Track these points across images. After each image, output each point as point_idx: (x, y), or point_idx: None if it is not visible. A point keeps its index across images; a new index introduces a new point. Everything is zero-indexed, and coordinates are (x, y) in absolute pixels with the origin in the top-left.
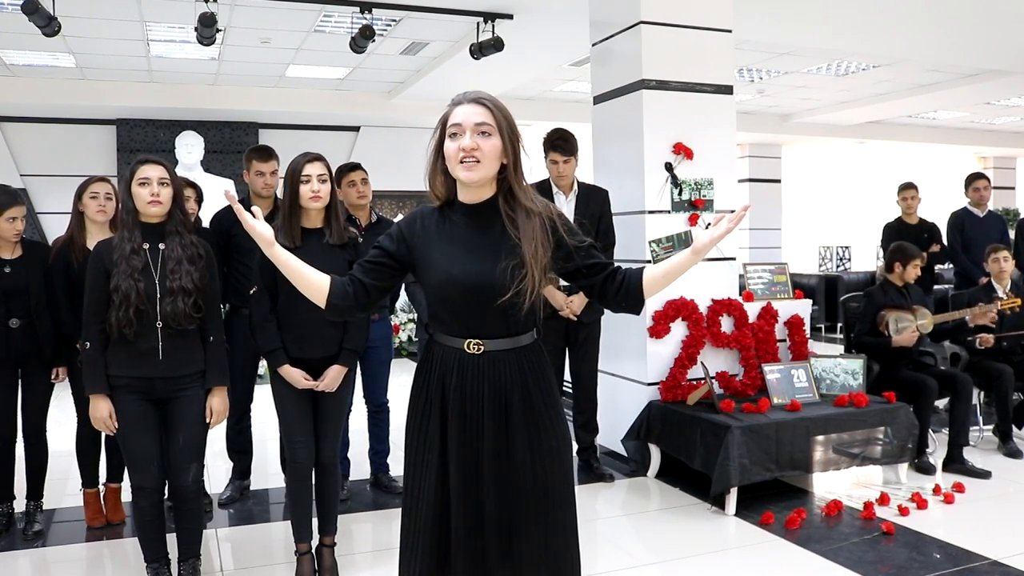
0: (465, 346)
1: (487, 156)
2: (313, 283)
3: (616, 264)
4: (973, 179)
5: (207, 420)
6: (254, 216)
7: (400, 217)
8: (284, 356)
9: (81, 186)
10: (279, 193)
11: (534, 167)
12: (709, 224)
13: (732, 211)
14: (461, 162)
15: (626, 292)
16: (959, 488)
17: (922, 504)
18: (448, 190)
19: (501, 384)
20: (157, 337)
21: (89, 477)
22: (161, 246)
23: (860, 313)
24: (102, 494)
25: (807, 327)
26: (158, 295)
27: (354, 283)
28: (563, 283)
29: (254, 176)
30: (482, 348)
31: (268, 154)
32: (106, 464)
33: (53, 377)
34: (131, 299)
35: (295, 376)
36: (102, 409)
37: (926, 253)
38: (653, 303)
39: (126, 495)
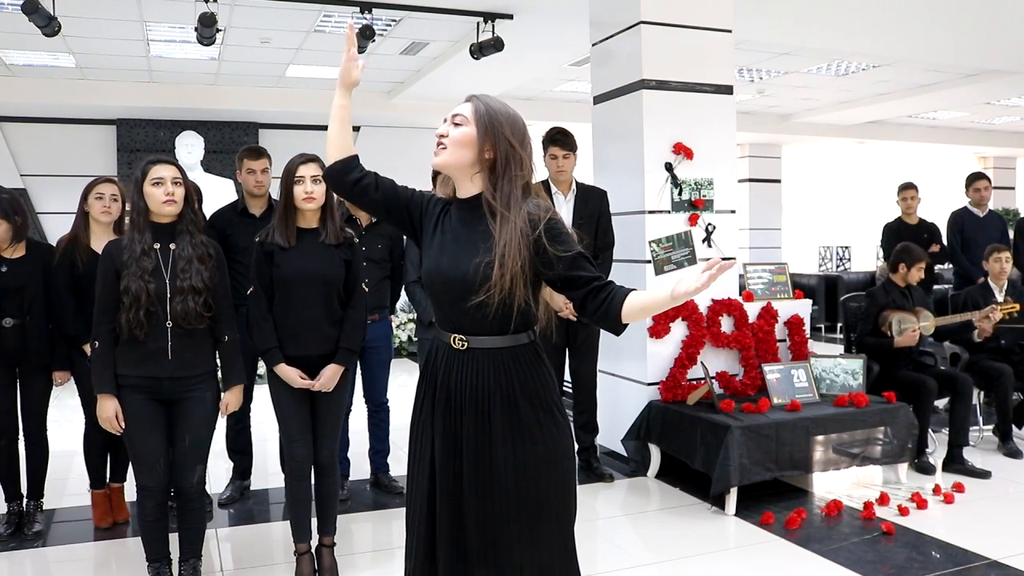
0: (451, 340)
1: (452, 142)
2: (342, 139)
3: (605, 281)
4: (973, 179)
5: (217, 414)
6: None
7: None
8: (280, 355)
9: (87, 186)
10: (272, 192)
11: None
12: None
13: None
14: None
15: (604, 314)
16: (959, 488)
17: (922, 504)
18: (451, 188)
19: (482, 383)
20: (167, 337)
21: (97, 479)
22: (172, 246)
23: (862, 313)
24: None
25: (807, 327)
26: (168, 295)
27: (375, 178)
28: None
29: (246, 175)
30: (466, 344)
31: (258, 152)
32: (111, 463)
33: (54, 382)
34: (141, 300)
35: (291, 375)
36: (109, 409)
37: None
38: None
39: (129, 495)
